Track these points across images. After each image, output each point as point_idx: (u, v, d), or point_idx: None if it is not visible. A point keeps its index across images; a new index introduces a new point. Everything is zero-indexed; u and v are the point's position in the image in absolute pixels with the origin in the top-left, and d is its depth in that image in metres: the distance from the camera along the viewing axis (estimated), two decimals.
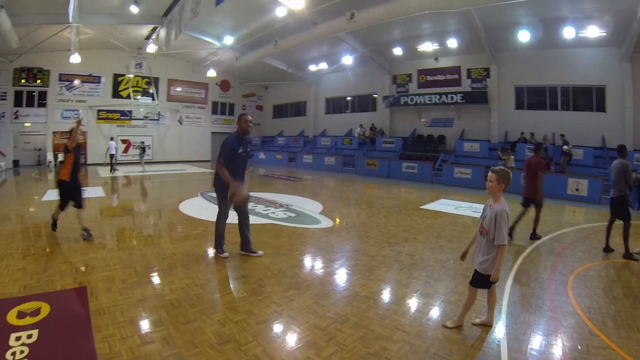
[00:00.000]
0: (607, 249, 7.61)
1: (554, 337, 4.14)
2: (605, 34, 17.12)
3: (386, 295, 5.27)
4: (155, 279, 5.53)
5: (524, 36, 18.39)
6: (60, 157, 25.06)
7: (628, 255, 7.19)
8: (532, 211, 8.78)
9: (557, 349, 3.91)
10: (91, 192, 13.71)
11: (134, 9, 19.00)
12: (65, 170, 7.54)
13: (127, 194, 15.42)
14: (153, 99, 29.87)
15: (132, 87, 29.12)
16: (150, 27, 23.34)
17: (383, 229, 9.19)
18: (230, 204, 6.39)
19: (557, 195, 15.48)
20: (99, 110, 27.61)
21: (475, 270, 4.26)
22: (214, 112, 34.74)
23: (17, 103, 24.74)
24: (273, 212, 10.61)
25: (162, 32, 22.55)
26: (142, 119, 29.24)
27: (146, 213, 11.38)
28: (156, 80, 30.31)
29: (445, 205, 13.15)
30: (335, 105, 32.22)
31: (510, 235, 7.99)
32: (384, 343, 3.89)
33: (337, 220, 10.33)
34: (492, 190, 4.14)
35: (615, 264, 7.00)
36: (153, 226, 9.45)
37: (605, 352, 3.82)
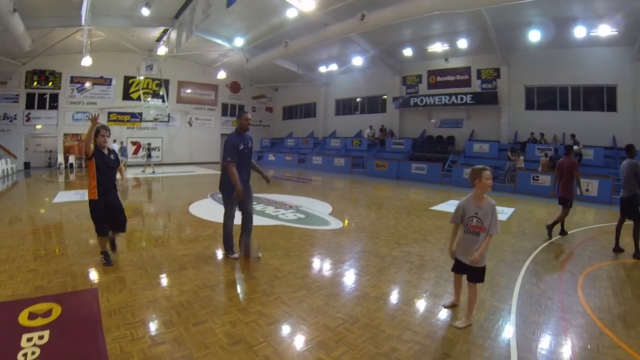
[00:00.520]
0: (617, 249, 7.57)
1: (564, 336, 4.12)
2: (616, 33, 16.95)
3: (396, 295, 5.28)
4: (166, 281, 5.56)
5: (534, 36, 18.27)
6: (72, 159, 26.07)
7: (638, 255, 7.15)
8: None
9: (567, 348, 3.90)
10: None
11: (146, 11, 19.17)
12: (90, 185, 5.88)
13: (137, 196, 15.49)
14: (163, 101, 30.00)
15: (143, 89, 29.30)
16: (162, 29, 23.46)
17: (393, 230, 9.18)
18: (235, 204, 6.44)
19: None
20: (109, 113, 27.83)
21: (470, 267, 4.34)
22: (224, 113, 34.80)
23: (29, 105, 25.01)
24: (283, 214, 10.64)
25: (173, 34, 22.68)
26: (152, 121, 29.37)
27: (156, 215, 11.43)
28: (166, 82, 30.46)
29: (455, 206, 13.02)
30: (345, 107, 32.17)
31: (549, 235, 8.70)
32: (393, 343, 3.90)
33: (347, 221, 10.34)
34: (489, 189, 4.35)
35: (625, 264, 6.96)
36: (163, 228, 9.50)
37: (615, 352, 3.80)
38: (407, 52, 23.62)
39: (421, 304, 4.96)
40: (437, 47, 22.48)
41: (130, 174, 21.64)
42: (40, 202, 12.98)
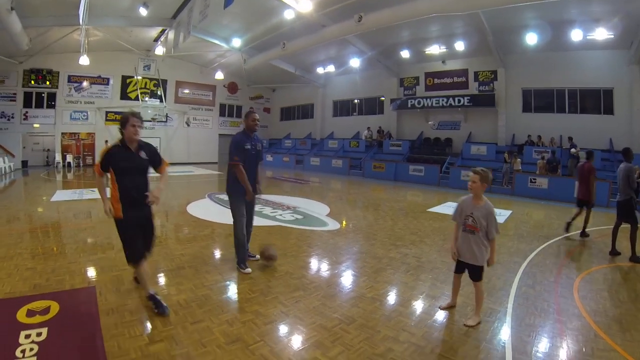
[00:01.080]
0: (614, 252, 7.59)
1: (559, 339, 4.14)
2: (613, 37, 17.02)
3: (392, 297, 5.29)
4: (164, 280, 5.57)
5: (531, 39, 18.36)
6: (69, 158, 25.99)
7: (634, 258, 7.18)
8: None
9: (562, 351, 3.92)
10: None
11: (143, 11, 19.20)
12: (113, 196, 4.41)
13: None
14: (161, 101, 30.05)
15: (140, 89, 29.33)
16: (159, 29, 23.50)
17: (390, 232, 9.20)
18: (244, 206, 6.12)
19: (565, 198, 15.43)
20: (107, 112, 27.81)
21: (470, 264, 4.47)
22: (222, 114, 34.90)
23: (27, 104, 24.99)
24: (280, 215, 10.64)
25: (171, 34, 22.70)
26: (149, 121, 29.32)
27: (154, 214, 11.39)
28: (164, 82, 30.49)
29: (452, 208, 12.95)
30: (343, 108, 32.26)
31: (567, 230, 9.52)
32: (389, 344, 3.92)
33: (344, 222, 10.37)
34: (477, 190, 4.42)
35: (621, 267, 6.98)
36: (161, 227, 9.48)
37: (610, 355, 3.83)
38: (405, 54, 23.70)
39: (417, 305, 4.97)
40: (435, 49, 22.57)
41: None
42: (38, 201, 12.96)
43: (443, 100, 23.83)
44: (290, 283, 5.56)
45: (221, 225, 9.30)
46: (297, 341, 3.98)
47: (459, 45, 20.96)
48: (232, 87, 34.88)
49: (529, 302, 5.11)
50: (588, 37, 17.50)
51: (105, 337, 3.79)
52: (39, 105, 25.48)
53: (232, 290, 5.32)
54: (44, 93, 25.50)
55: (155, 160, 4.74)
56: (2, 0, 14.21)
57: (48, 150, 26.43)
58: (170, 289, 5.16)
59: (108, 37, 23.31)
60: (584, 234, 9.19)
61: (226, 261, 6.48)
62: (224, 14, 19.56)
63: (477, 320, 4.38)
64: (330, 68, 28.27)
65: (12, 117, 24.49)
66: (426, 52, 23.27)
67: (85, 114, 26.93)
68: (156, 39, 25.13)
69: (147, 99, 29.50)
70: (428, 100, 24.67)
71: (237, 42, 24.88)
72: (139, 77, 29.15)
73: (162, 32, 23.75)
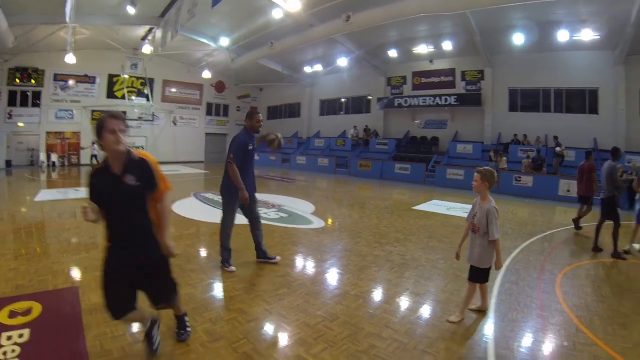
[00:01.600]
0: (596, 249, 7.71)
1: (541, 334, 4.19)
2: (599, 37, 17.27)
3: (376, 294, 5.30)
4: None
5: (518, 39, 18.54)
6: (54, 157, 25.74)
7: (616, 254, 7.29)
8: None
9: (544, 345, 3.97)
10: (83, 192, 13.67)
11: (131, 10, 18.97)
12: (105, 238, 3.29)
13: None
14: (147, 100, 29.81)
15: (127, 87, 29.04)
16: (147, 27, 23.27)
17: (375, 230, 9.22)
18: (236, 209, 6.05)
19: (549, 196, 15.70)
20: (93, 111, 27.42)
21: (472, 265, 4.45)
22: (209, 113, 34.75)
23: (11, 102, 24.60)
24: (265, 213, 10.59)
25: (158, 33, 22.47)
26: (136, 120, 29.08)
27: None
28: (151, 80, 30.25)
29: (437, 206, 13.24)
30: (330, 107, 32.28)
31: (576, 227, 9.91)
32: (372, 340, 3.93)
33: (329, 220, 10.37)
34: (478, 189, 4.43)
35: (603, 263, 7.08)
36: None
37: (591, 349, 3.88)
38: (392, 53, 23.76)
39: (401, 303, 4.99)
40: (422, 48, 22.63)
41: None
42: (22, 201, 12.80)
43: (430, 99, 23.97)
44: (274, 281, 5.55)
45: (206, 224, 9.28)
46: (280, 338, 4.00)
47: (447, 45, 21.08)
48: (219, 86, 34.72)
49: (512, 298, 5.15)
50: (574, 38, 17.73)
51: (88, 337, 3.77)
52: (24, 104, 25.12)
53: (216, 289, 5.30)
54: (29, 91, 25.15)
55: (150, 184, 3.27)
56: None
57: (33, 149, 26.01)
58: None
59: (95, 36, 23.06)
60: (577, 225, 9.89)
61: (211, 259, 6.47)
62: (212, 13, 19.41)
63: (460, 317, 4.40)
64: (318, 67, 28.24)
65: None
66: (414, 52, 23.35)
67: (71, 113, 26.63)
68: (143, 38, 24.90)
69: (133, 97, 29.24)
70: (415, 99, 24.79)
71: (224, 41, 24.75)
72: (126, 76, 28.83)
73: (150, 30, 23.53)
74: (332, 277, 5.94)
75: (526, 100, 21.53)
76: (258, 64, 27.06)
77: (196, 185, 17.75)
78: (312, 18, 18.77)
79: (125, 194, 3.08)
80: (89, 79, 27.42)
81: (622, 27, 15.81)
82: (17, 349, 3.51)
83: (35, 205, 11.63)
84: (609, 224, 7.59)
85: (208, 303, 4.75)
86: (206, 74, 29.49)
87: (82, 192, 13.11)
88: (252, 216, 6.22)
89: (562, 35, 17.56)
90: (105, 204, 3.06)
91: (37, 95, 25.47)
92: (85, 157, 26.40)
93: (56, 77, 25.96)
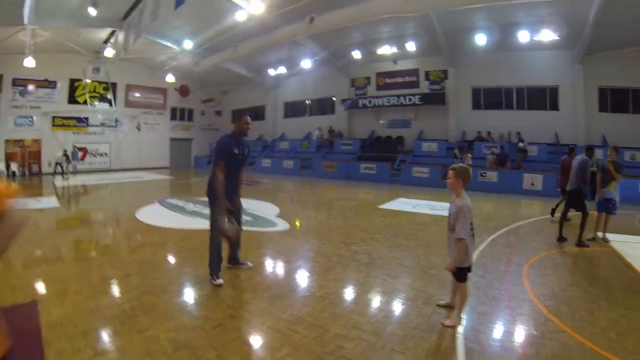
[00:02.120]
0: (561, 239, 7.90)
1: (510, 325, 4.19)
2: (558, 38, 17.76)
3: (343, 294, 5.21)
4: (110, 289, 5.31)
5: (480, 40, 18.78)
6: (14, 166, 24.89)
7: (580, 243, 7.50)
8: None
9: (513, 336, 3.97)
10: (45, 202, 13.32)
11: (92, 11, 18.33)
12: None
13: (83, 204, 14.96)
14: (110, 105, 29.07)
15: (89, 92, 28.21)
16: (109, 30, 22.70)
17: (341, 230, 9.15)
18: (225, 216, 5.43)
19: (514, 190, 16.06)
20: (54, 117, 26.59)
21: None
22: (173, 117, 34.15)
23: None
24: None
25: (121, 36, 21.97)
26: (99, 126, 28.39)
27: (102, 222, 11.02)
28: (114, 85, 29.47)
29: (404, 204, 13.28)
30: (294, 109, 32.23)
31: (552, 215, 10.48)
32: (340, 342, 3.84)
33: (295, 222, 10.27)
34: (452, 186, 4.32)
35: (568, 252, 7.22)
36: (109, 235, 9.16)
37: (560, 336, 3.90)
38: (356, 54, 23.70)
39: (368, 302, 4.93)
40: (386, 49, 22.66)
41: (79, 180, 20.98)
42: None
43: (394, 99, 24.20)
44: (238, 285, 5.43)
45: (171, 231, 9.05)
46: (245, 344, 3.90)
47: (410, 46, 21.19)
48: (183, 90, 34.18)
49: (480, 291, 5.15)
50: (535, 39, 18.16)
51: (48, 353, 3.59)
52: None
53: (180, 296, 5.11)
54: None
55: None
56: None
57: None
58: (117, 298, 4.96)
59: (55, 38, 22.24)
60: (557, 215, 9.99)
61: (176, 267, 6.32)
62: (176, 16, 19.02)
63: (456, 322, 4.17)
64: (282, 69, 27.98)
65: None
66: (377, 53, 23.37)
67: (31, 120, 25.67)
68: (106, 41, 24.26)
69: (96, 103, 28.41)
70: (379, 99, 25.00)
71: (188, 44, 24.32)
72: (88, 81, 27.96)
73: (112, 33, 22.96)
74: (298, 279, 5.83)
75: (489, 98, 21.95)
76: (222, 67, 26.77)
77: (160, 191, 17.43)
78: (277, 20, 18.65)
79: None
80: (49, 84, 26.41)
81: (581, 27, 16.34)
82: None
83: None
84: (577, 214, 7.78)
85: (172, 311, 4.58)
86: (170, 78, 28.91)
87: (44, 202, 12.72)
88: (235, 219, 5.75)
89: (523, 36, 17.97)
90: None
91: None
92: (46, 166, 25.48)
93: (15, 82, 24.88)
